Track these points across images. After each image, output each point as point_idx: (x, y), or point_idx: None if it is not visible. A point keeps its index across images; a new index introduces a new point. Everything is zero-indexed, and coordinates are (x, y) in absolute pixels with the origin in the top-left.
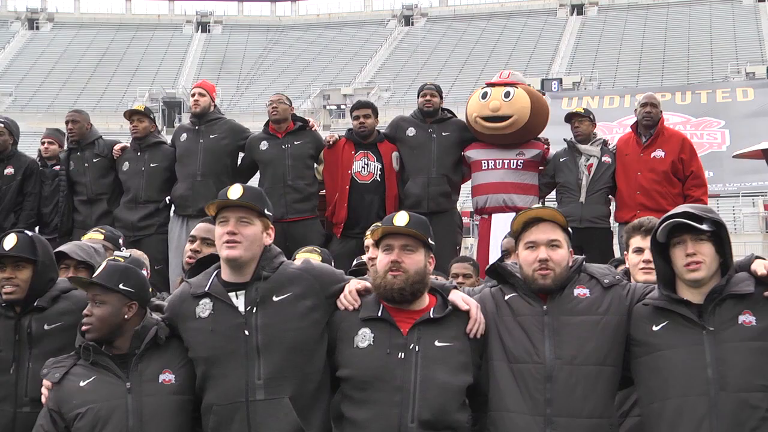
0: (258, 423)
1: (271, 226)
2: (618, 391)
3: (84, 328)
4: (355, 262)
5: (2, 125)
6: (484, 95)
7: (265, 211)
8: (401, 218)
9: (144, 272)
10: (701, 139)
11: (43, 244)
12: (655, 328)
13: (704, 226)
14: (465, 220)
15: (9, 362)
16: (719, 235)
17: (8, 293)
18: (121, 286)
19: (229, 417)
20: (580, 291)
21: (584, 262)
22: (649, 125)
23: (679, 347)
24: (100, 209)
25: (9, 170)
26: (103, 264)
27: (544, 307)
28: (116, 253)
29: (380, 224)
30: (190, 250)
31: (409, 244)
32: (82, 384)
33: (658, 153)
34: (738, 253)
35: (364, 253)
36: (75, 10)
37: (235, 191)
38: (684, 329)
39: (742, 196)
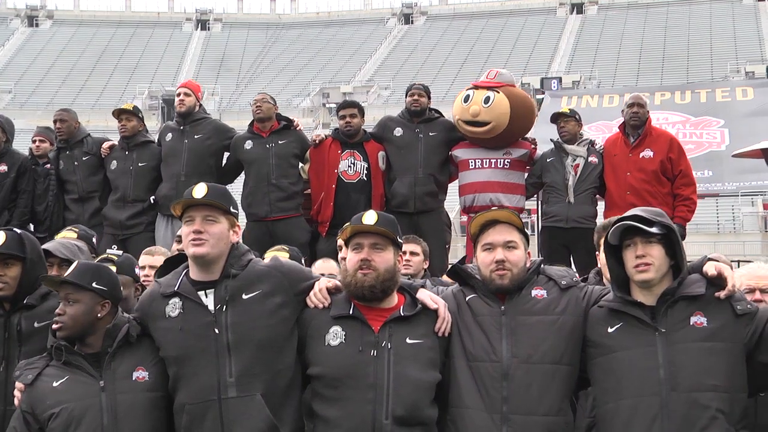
0: (231, 420)
1: (237, 224)
2: (580, 391)
3: (56, 326)
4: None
5: None
6: (467, 98)
7: (231, 209)
8: (370, 217)
9: (137, 271)
10: (700, 138)
11: (32, 242)
12: (609, 330)
13: (654, 229)
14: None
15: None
16: (670, 239)
17: (2, 290)
18: (93, 284)
19: (202, 415)
20: (538, 292)
21: (542, 264)
22: (636, 125)
23: (633, 348)
24: (92, 207)
25: (2, 167)
26: (75, 263)
27: (502, 307)
28: (109, 251)
29: (349, 223)
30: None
31: (378, 243)
32: (55, 384)
33: (647, 153)
34: (737, 252)
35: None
36: (74, 8)
37: (199, 190)
38: (637, 331)
39: (741, 195)
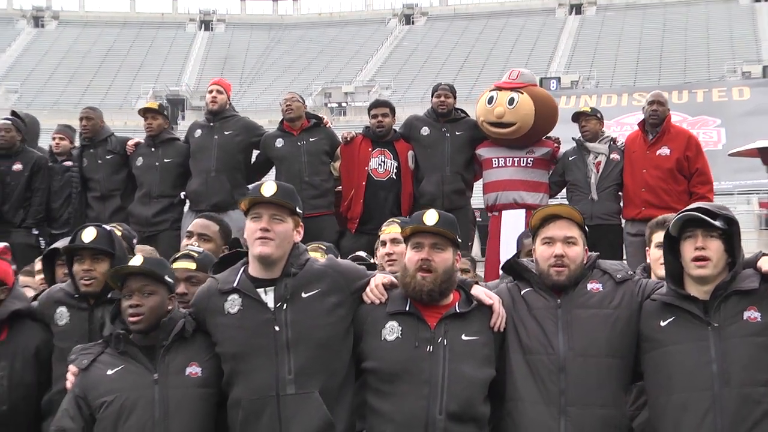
0: (288, 417)
1: (301, 223)
2: (632, 384)
3: (134, 318)
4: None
5: (9, 122)
6: (491, 100)
7: (297, 209)
8: (431, 217)
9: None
10: (701, 135)
11: (119, 239)
12: (662, 324)
13: (717, 223)
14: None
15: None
16: (730, 234)
17: (87, 285)
18: (166, 277)
19: (259, 411)
20: (593, 285)
21: (598, 259)
22: (655, 123)
23: (685, 343)
24: (113, 205)
25: (17, 166)
26: (140, 257)
27: (558, 300)
28: (189, 247)
29: (398, 221)
30: (187, 245)
31: (438, 243)
32: (109, 372)
33: (664, 150)
34: None
35: (374, 249)
36: (80, 8)
37: (269, 188)
38: (690, 325)
39: (738, 193)
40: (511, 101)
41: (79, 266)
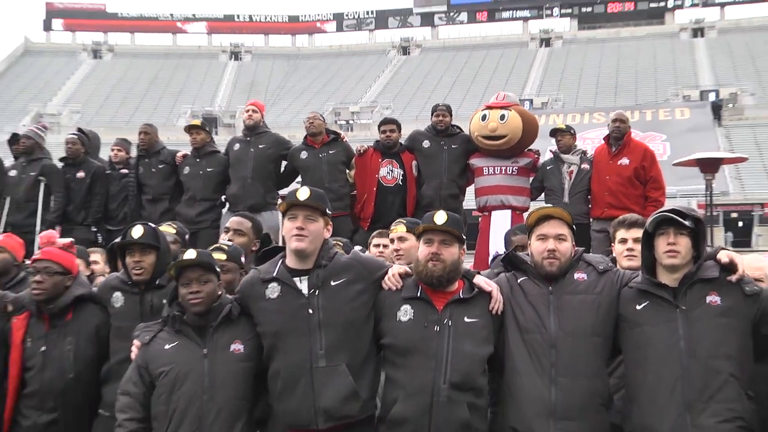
0: (320, 386)
1: (330, 222)
2: (612, 359)
3: (195, 301)
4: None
5: (75, 137)
6: (484, 117)
7: (327, 210)
8: (440, 217)
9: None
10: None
11: (163, 235)
12: (638, 307)
13: (687, 222)
14: None
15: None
16: (697, 232)
17: (137, 274)
18: (216, 268)
19: (295, 381)
20: (580, 275)
21: (583, 253)
22: (618, 137)
23: (657, 324)
24: (162, 207)
25: (81, 174)
26: (193, 251)
27: (550, 288)
28: (221, 241)
29: (404, 221)
30: (225, 239)
31: (446, 239)
32: (167, 347)
33: (624, 161)
34: None
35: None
36: (131, 43)
37: (303, 193)
38: (661, 308)
39: (680, 197)
40: (503, 117)
41: (130, 258)
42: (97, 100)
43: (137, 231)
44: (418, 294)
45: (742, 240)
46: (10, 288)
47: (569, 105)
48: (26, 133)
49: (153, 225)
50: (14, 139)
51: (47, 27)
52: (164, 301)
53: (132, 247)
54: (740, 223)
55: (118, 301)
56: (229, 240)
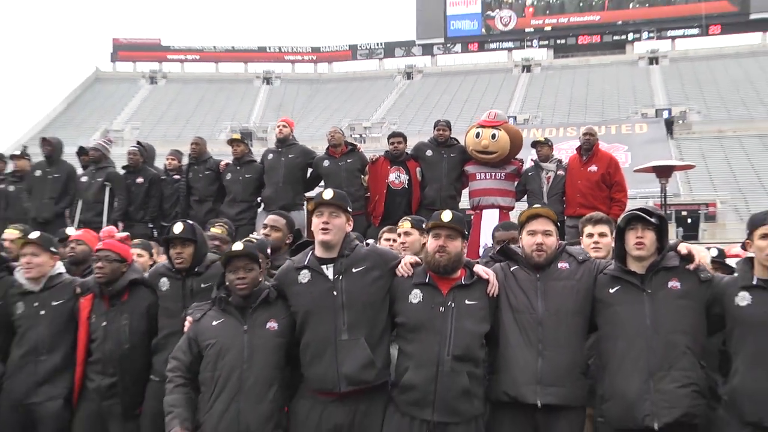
0: (342, 356)
1: (351, 218)
2: (589, 334)
3: (240, 286)
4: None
5: (136, 148)
6: (477, 135)
7: (348, 208)
8: (447, 215)
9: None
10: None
11: (199, 229)
12: (611, 291)
13: (653, 219)
14: None
15: (179, 309)
16: (661, 228)
17: (179, 263)
18: (259, 257)
19: (322, 352)
20: (563, 264)
21: (566, 246)
22: (587, 148)
23: (627, 304)
24: (207, 207)
25: (140, 179)
26: (241, 243)
27: (538, 275)
28: (251, 235)
29: (409, 219)
30: (263, 233)
31: (451, 234)
32: (214, 323)
33: (593, 168)
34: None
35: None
36: (181, 70)
37: (328, 193)
38: (631, 291)
39: (639, 198)
40: (494, 136)
41: (173, 250)
42: (153, 119)
43: (178, 227)
44: (427, 280)
45: (690, 234)
46: (87, 274)
47: (547, 121)
48: (95, 146)
49: (191, 222)
50: (81, 152)
51: (114, 59)
52: (202, 285)
53: (174, 240)
54: (689, 220)
55: (164, 285)
56: (266, 234)
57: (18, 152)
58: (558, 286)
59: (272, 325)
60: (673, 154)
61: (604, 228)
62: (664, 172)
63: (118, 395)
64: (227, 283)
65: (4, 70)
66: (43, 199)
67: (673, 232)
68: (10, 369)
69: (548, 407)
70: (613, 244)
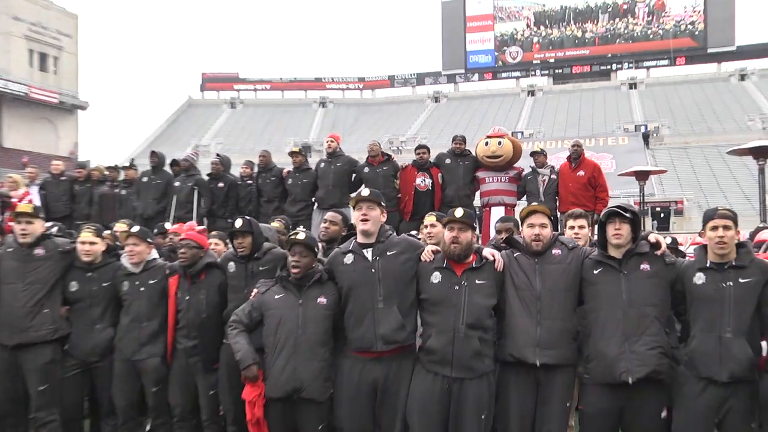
0: (379, 320)
1: (385, 211)
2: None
3: (295, 270)
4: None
5: (217, 159)
6: (486, 143)
7: (381, 203)
8: (459, 212)
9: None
10: (601, 164)
11: (256, 223)
12: (595, 272)
13: (627, 214)
14: None
15: (243, 287)
16: (635, 221)
17: (240, 251)
18: (315, 249)
19: (362, 317)
20: (556, 251)
21: (558, 236)
22: (575, 157)
23: (607, 283)
24: (273, 206)
25: (221, 184)
26: (303, 232)
27: (536, 260)
28: (299, 229)
29: (434, 214)
30: (323, 227)
31: (462, 227)
32: (275, 297)
33: (581, 173)
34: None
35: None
36: (254, 97)
37: (365, 191)
38: (610, 273)
39: (623, 197)
40: (500, 143)
41: (236, 241)
42: (232, 136)
43: (238, 223)
44: (444, 264)
45: (663, 226)
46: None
47: (547, 135)
48: (185, 157)
49: (249, 218)
50: (174, 163)
51: (202, 88)
52: (260, 267)
53: (236, 233)
54: (662, 215)
55: (231, 267)
56: (326, 228)
57: (127, 164)
58: (552, 269)
59: (322, 300)
60: (649, 161)
61: (582, 221)
62: (642, 176)
63: (199, 354)
64: (287, 266)
65: (118, 98)
66: (148, 200)
67: (648, 225)
68: (120, 333)
69: (546, 366)
70: (590, 234)
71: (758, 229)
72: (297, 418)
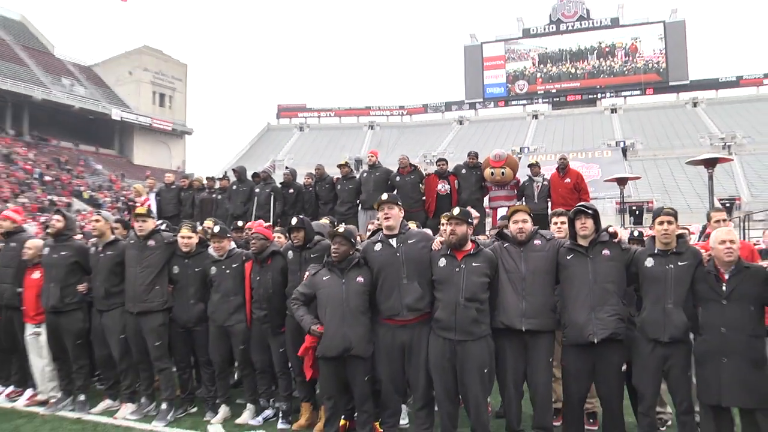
0: (403, 294)
1: (402, 209)
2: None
3: (334, 255)
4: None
5: (288, 172)
6: (492, 173)
7: (398, 203)
8: (455, 211)
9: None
10: (590, 172)
11: (308, 221)
12: (568, 258)
13: (590, 211)
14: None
15: (298, 270)
16: (596, 216)
17: (296, 243)
18: (351, 240)
19: (391, 291)
20: (537, 242)
21: (539, 229)
22: (562, 167)
23: (577, 266)
24: (328, 207)
25: (291, 191)
26: (343, 226)
27: (521, 249)
28: (342, 225)
29: (448, 214)
30: (369, 223)
31: (458, 222)
32: (324, 278)
33: (567, 180)
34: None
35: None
36: (318, 122)
37: (384, 196)
38: (580, 258)
39: (607, 199)
40: (503, 173)
41: (292, 234)
42: (301, 153)
43: (293, 221)
44: (448, 252)
45: (638, 221)
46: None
47: (548, 150)
48: (264, 170)
49: (302, 216)
50: (254, 175)
51: (277, 116)
52: (311, 255)
53: (293, 228)
54: (637, 212)
55: (290, 255)
56: (374, 221)
57: (221, 176)
58: (534, 255)
59: (360, 279)
60: (627, 170)
61: (563, 218)
62: (621, 182)
63: (269, 321)
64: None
65: (215, 124)
66: (237, 203)
67: (627, 220)
68: (212, 306)
69: (530, 331)
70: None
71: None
72: (347, 373)
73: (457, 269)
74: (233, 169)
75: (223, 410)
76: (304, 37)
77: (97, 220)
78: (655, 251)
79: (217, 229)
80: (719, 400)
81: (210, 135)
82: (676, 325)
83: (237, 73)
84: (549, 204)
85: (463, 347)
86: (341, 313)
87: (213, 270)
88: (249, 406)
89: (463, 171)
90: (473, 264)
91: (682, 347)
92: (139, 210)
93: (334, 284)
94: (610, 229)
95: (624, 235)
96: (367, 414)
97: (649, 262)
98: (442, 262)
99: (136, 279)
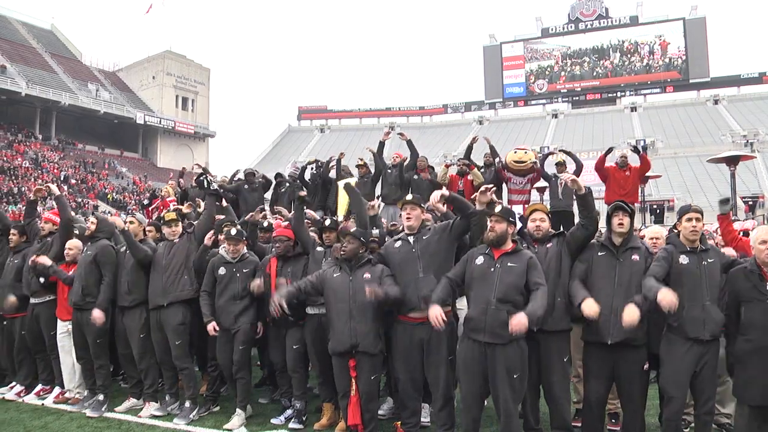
0: (421, 286)
1: (424, 210)
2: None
3: (342, 252)
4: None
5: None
6: (515, 152)
7: (422, 204)
8: (497, 208)
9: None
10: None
11: (336, 221)
12: (599, 254)
13: (628, 209)
14: None
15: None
16: (632, 216)
17: (327, 242)
18: (362, 239)
19: (408, 284)
20: (551, 241)
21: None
22: (623, 164)
23: (604, 266)
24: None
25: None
26: (353, 227)
27: (537, 247)
28: (328, 218)
29: (406, 198)
30: (390, 224)
31: (498, 219)
32: (334, 275)
33: (627, 173)
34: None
35: None
36: (339, 124)
37: (409, 196)
38: (610, 258)
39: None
40: (525, 152)
41: (324, 234)
42: (321, 154)
43: (327, 221)
44: (487, 251)
45: (659, 220)
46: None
47: (568, 149)
48: (290, 172)
49: (336, 218)
50: (278, 175)
51: (298, 118)
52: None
53: (325, 228)
54: (657, 211)
55: (317, 251)
56: (343, 247)
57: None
58: (551, 252)
59: (368, 276)
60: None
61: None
62: (642, 180)
63: (293, 314)
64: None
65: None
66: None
67: (648, 219)
68: (219, 308)
69: (542, 331)
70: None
71: (734, 221)
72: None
73: (492, 269)
74: (244, 171)
75: (239, 416)
76: (325, 40)
77: (131, 222)
78: (687, 249)
79: (233, 231)
80: (765, 400)
81: (232, 137)
82: (717, 322)
83: (258, 76)
84: (573, 201)
85: (493, 351)
86: (348, 309)
87: (222, 270)
88: (238, 411)
89: (482, 169)
90: (509, 264)
91: (716, 345)
92: (169, 216)
93: (342, 281)
94: (639, 234)
95: (656, 233)
96: (370, 414)
97: (684, 259)
98: (480, 260)
99: (164, 272)
